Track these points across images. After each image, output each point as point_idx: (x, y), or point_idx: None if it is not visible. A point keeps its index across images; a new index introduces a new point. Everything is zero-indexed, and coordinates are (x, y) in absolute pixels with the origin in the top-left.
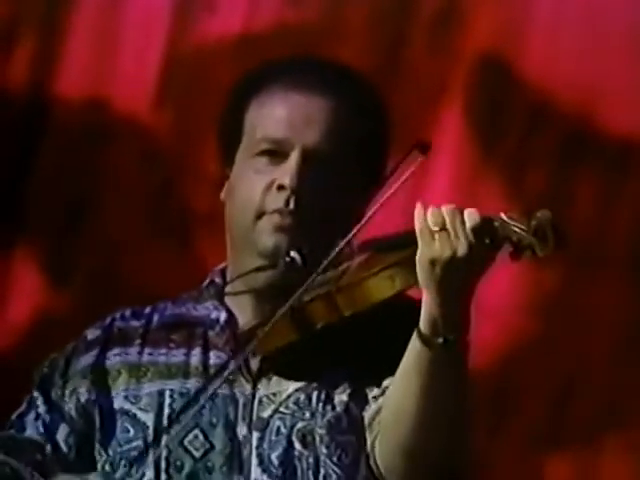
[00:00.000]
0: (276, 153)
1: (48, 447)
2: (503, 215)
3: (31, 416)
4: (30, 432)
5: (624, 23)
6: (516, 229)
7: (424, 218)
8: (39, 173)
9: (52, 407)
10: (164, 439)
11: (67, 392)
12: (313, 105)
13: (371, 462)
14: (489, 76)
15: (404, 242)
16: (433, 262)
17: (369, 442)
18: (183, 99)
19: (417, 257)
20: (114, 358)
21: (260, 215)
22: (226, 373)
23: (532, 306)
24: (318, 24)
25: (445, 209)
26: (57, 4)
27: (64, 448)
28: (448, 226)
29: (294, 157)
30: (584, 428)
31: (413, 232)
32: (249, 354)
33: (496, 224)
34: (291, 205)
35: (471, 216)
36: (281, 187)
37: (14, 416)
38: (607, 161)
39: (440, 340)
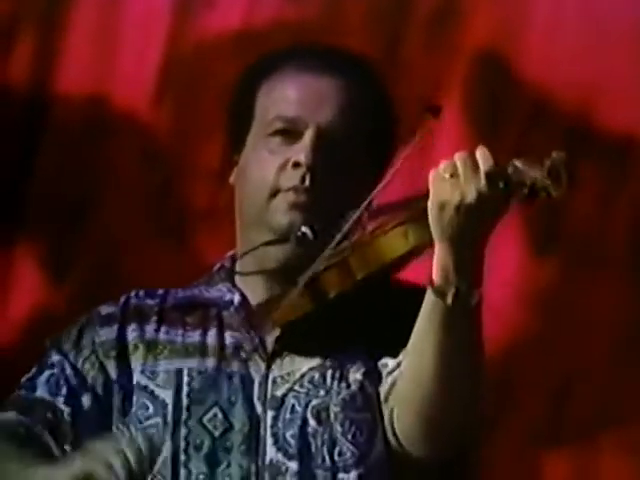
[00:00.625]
0: (290, 132)
1: (65, 410)
2: (516, 161)
3: (43, 378)
4: (40, 392)
5: (623, 20)
6: (530, 172)
7: (437, 168)
8: (39, 171)
9: (77, 373)
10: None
11: (87, 363)
12: (325, 84)
13: (389, 436)
14: (487, 73)
15: (416, 202)
16: (442, 207)
17: (386, 416)
18: (183, 96)
19: (428, 204)
20: (132, 334)
21: (274, 193)
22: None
23: (532, 303)
24: (317, 20)
25: (458, 155)
26: (57, 1)
27: (85, 416)
28: (459, 171)
29: (309, 135)
30: (583, 426)
31: (426, 195)
32: (265, 330)
33: (509, 170)
34: (307, 182)
35: (483, 160)
36: (297, 164)
37: (24, 379)
38: (607, 159)
39: (453, 290)
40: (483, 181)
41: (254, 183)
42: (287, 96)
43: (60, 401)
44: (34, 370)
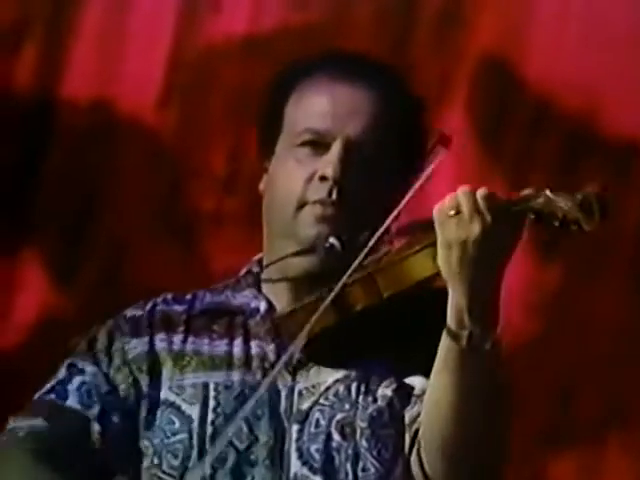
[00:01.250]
0: (318, 144)
1: (97, 426)
2: (548, 191)
3: (74, 384)
4: (71, 401)
5: (627, 23)
6: (561, 204)
7: (441, 204)
8: (46, 174)
9: (111, 388)
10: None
11: (119, 375)
12: (355, 95)
13: (412, 461)
14: (492, 76)
15: None
16: (449, 246)
17: (407, 442)
18: (189, 100)
19: (438, 244)
20: (160, 344)
21: (302, 205)
22: (283, 359)
23: (536, 308)
24: (322, 24)
25: (460, 192)
26: (64, 5)
27: (114, 433)
28: (462, 208)
29: (336, 148)
30: (587, 427)
31: None
32: (288, 341)
33: (540, 200)
34: (333, 196)
35: (485, 197)
36: (323, 178)
37: (53, 382)
38: (610, 161)
39: (466, 333)
40: (487, 217)
41: (282, 194)
42: (317, 108)
43: (92, 415)
44: (64, 373)
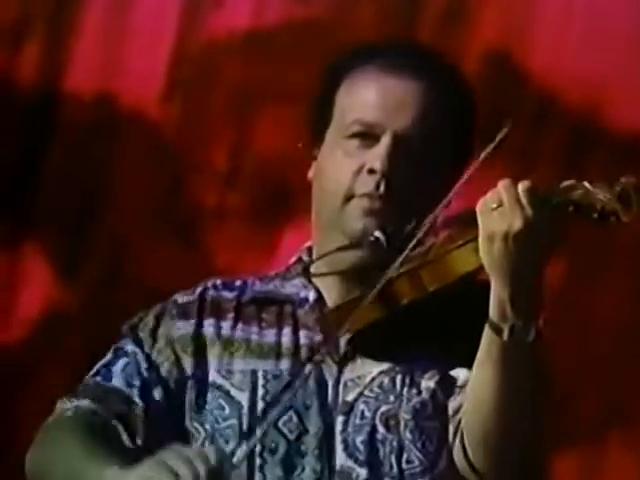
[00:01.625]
0: (367, 136)
1: (139, 404)
2: (586, 183)
3: (119, 366)
4: (116, 382)
5: (629, 19)
6: (600, 196)
7: (484, 198)
8: (49, 169)
9: (151, 366)
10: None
11: (161, 355)
12: (405, 89)
13: (455, 453)
14: (496, 72)
15: None
16: (491, 238)
17: (451, 433)
18: (191, 95)
19: (479, 237)
20: (209, 329)
21: (349, 198)
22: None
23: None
24: (325, 20)
25: (501, 185)
26: (66, 1)
27: (156, 410)
28: (504, 201)
29: (385, 141)
30: (587, 426)
31: None
32: (339, 334)
33: (579, 192)
34: (381, 189)
35: (526, 189)
36: (372, 171)
37: (99, 365)
38: (614, 156)
39: (509, 326)
40: (529, 210)
41: (329, 185)
42: (367, 100)
43: (135, 394)
44: (110, 356)
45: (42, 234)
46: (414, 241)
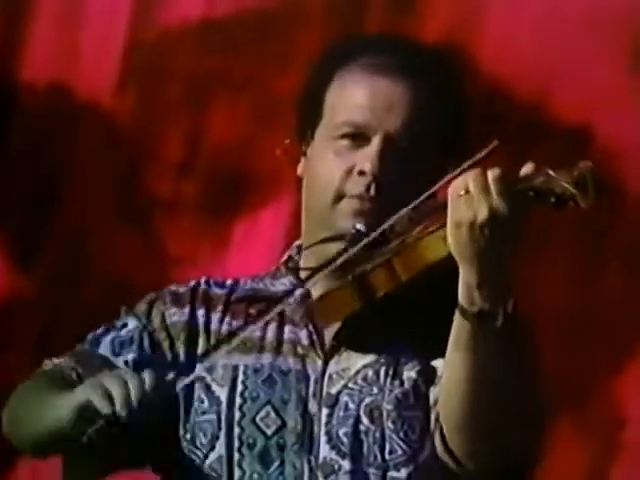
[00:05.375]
0: (357, 137)
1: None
2: (549, 169)
3: (108, 338)
4: (102, 350)
5: (579, 9)
6: (560, 182)
7: (453, 184)
8: (5, 157)
9: (151, 339)
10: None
11: (158, 334)
12: (396, 89)
13: (435, 441)
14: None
15: None
16: (458, 225)
17: (432, 422)
18: (145, 84)
19: (447, 223)
20: (200, 319)
21: (340, 197)
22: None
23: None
24: (277, 9)
25: (471, 172)
26: None
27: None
28: (471, 188)
29: (375, 143)
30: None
31: None
32: (319, 326)
33: (541, 178)
34: (372, 191)
35: (495, 177)
36: (362, 173)
37: (90, 336)
38: (563, 148)
39: (476, 311)
40: (495, 197)
41: (320, 184)
42: (357, 101)
43: (120, 362)
44: (101, 329)
45: None
46: (382, 227)
